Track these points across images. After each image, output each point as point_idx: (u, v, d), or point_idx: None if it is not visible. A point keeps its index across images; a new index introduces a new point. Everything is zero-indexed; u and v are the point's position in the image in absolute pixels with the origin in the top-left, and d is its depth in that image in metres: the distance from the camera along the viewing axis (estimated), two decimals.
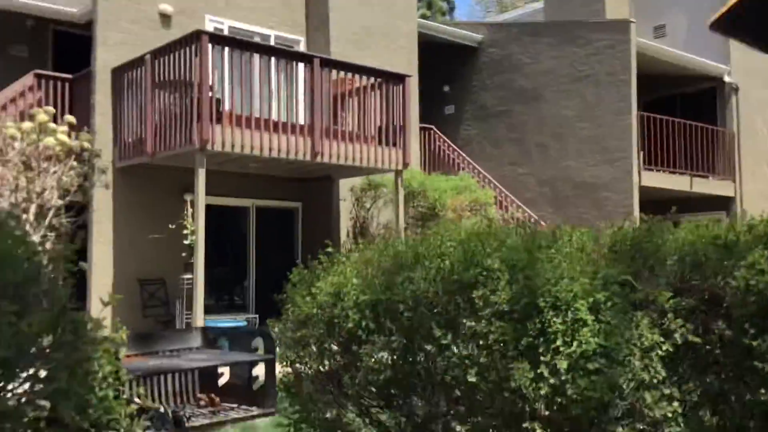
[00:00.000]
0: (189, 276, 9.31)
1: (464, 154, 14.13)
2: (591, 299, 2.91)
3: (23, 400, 1.61)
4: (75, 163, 7.53)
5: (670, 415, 2.89)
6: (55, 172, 7.23)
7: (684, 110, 14.38)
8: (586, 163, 13.26)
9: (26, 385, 1.67)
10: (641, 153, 12.89)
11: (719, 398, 3.20)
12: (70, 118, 7.98)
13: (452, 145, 14.20)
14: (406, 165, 10.79)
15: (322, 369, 3.73)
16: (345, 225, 11.70)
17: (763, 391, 2.88)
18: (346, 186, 11.80)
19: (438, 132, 14.17)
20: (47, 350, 1.65)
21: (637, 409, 2.89)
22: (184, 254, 9.56)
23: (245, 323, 2.64)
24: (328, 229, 11.39)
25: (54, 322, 1.65)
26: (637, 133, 12.77)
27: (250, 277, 11.93)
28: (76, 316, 1.74)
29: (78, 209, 7.89)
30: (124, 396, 1.85)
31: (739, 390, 2.99)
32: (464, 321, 3.03)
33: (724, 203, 14.11)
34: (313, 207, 12.31)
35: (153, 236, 9.77)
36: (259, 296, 11.74)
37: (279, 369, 3.92)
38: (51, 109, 7.79)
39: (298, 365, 3.81)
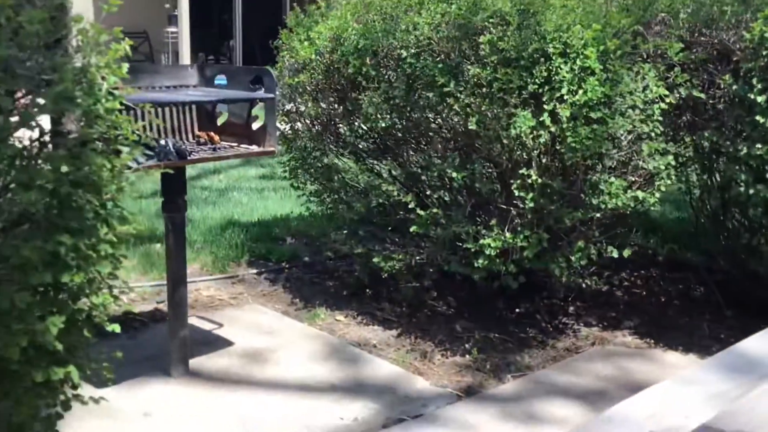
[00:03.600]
0: (174, 29, 9.04)
1: None
2: (601, 47, 2.90)
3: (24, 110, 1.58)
4: None
5: (663, 167, 3.09)
6: None
7: None
8: None
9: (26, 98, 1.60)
10: None
11: (711, 154, 3.40)
12: None
13: None
14: None
15: (318, 119, 3.76)
16: None
17: (759, 145, 3.02)
18: None
19: None
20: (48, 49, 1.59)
21: (632, 162, 3.12)
22: (167, 5, 9.22)
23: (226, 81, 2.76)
24: None
25: (56, 21, 1.59)
26: None
27: (237, 36, 11.37)
28: (74, 17, 1.66)
29: None
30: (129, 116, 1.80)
31: (735, 145, 3.15)
32: (468, 68, 2.99)
33: None
34: None
35: None
36: (245, 56, 11.27)
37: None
38: None
39: (293, 116, 3.82)
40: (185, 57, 8.86)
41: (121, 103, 1.72)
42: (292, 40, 3.77)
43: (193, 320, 3.39)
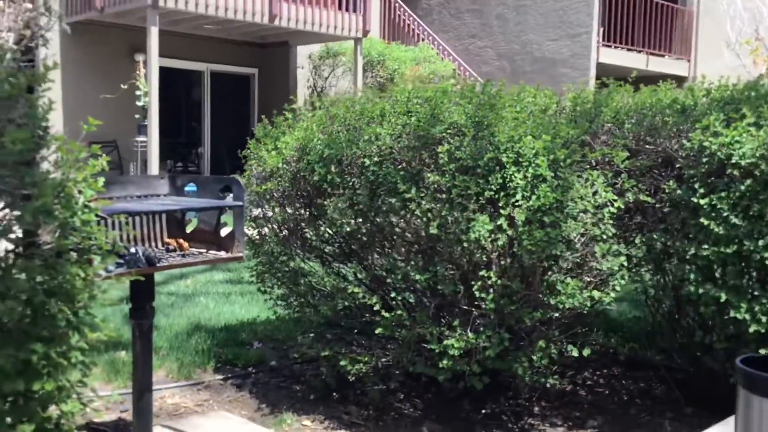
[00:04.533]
0: (143, 139, 9.22)
1: (424, 25, 13.91)
2: (551, 156, 3.09)
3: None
4: (29, 5, 6.79)
5: (616, 268, 3.23)
6: (11, 13, 6.63)
7: None
8: (547, 37, 13.19)
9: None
10: (602, 29, 12.86)
11: (662, 255, 3.55)
12: None
13: (412, 14, 13.91)
14: (366, 32, 10.65)
15: (285, 224, 3.89)
16: (302, 93, 11.54)
17: (705, 246, 3.19)
18: (303, 53, 11.64)
19: (398, 1, 13.77)
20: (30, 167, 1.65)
21: (586, 263, 3.25)
22: (137, 116, 9.45)
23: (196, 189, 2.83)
24: (284, 97, 10.32)
25: (38, 141, 1.69)
26: (599, 7, 12.76)
27: (205, 144, 11.69)
28: (54, 135, 1.75)
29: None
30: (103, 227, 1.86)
31: (683, 246, 3.31)
32: (428, 176, 3.15)
33: (678, 84, 14.23)
34: (270, 74, 12.11)
35: (104, 96, 9.56)
36: (213, 163, 11.60)
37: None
38: None
39: (261, 222, 3.96)
40: (154, 165, 9.04)
41: (96, 215, 1.80)
42: (260, 150, 3.94)
43: (157, 429, 3.34)
